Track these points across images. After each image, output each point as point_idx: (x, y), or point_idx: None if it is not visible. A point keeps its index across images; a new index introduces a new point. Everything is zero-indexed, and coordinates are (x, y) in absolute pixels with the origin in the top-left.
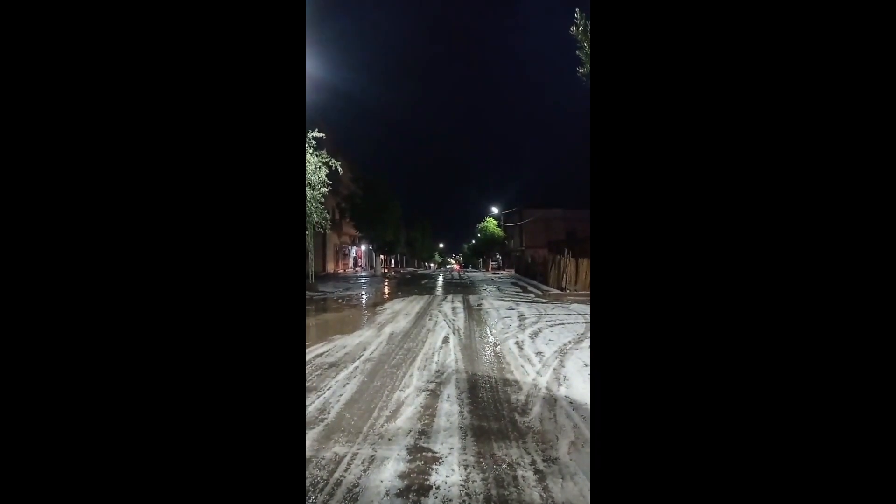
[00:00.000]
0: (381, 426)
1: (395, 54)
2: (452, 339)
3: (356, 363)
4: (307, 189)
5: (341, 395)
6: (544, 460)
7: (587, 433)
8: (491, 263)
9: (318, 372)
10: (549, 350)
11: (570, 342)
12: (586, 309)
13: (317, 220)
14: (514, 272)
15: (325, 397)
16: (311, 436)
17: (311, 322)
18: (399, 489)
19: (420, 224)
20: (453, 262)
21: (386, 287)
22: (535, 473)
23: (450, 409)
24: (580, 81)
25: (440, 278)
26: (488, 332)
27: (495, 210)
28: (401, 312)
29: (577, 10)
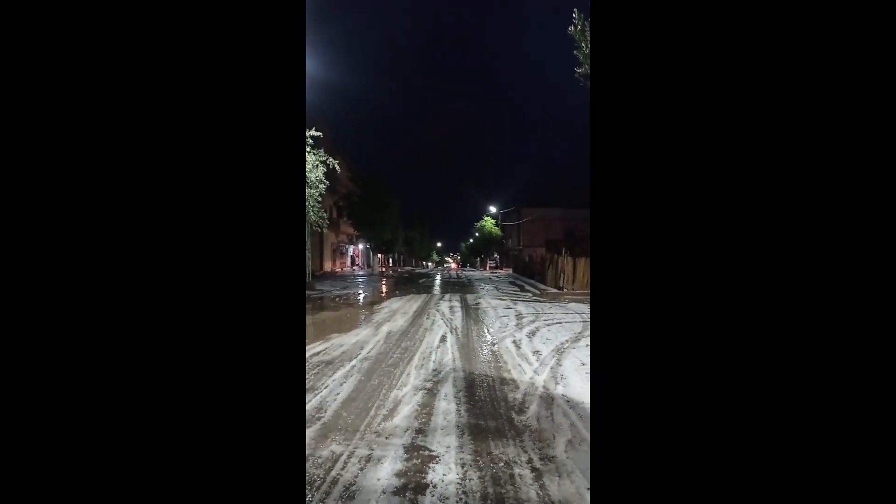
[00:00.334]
0: (379, 425)
1: (393, 53)
2: (450, 338)
3: (353, 362)
4: None
5: (338, 394)
6: (541, 459)
7: (584, 432)
8: (489, 263)
9: (315, 370)
10: (546, 349)
11: (567, 341)
12: (583, 308)
13: (314, 218)
14: (511, 271)
15: (322, 396)
16: (307, 434)
17: (308, 321)
18: (396, 487)
19: (418, 223)
20: (451, 261)
21: (383, 286)
22: (532, 472)
23: (447, 407)
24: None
25: (438, 277)
26: (486, 330)
27: (493, 209)
28: (398, 311)
29: (575, 10)
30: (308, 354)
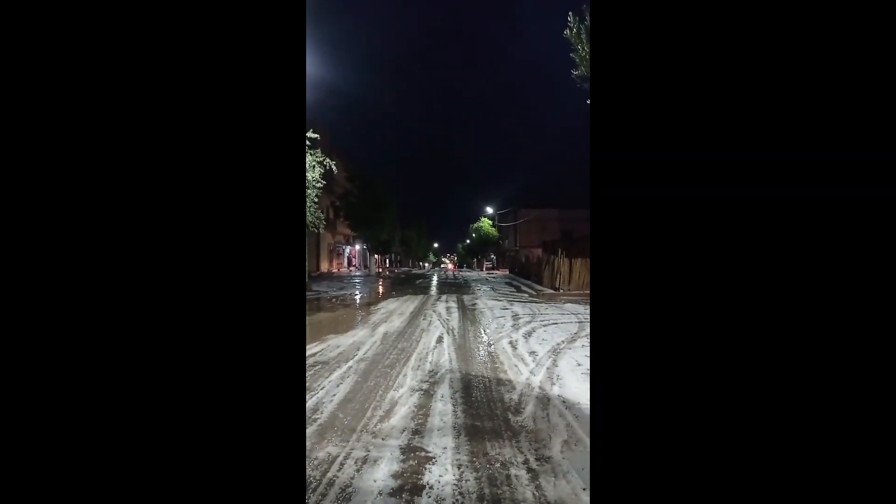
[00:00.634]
0: (375, 426)
1: (392, 54)
2: (447, 339)
3: (350, 363)
4: None
5: (335, 395)
6: (537, 459)
7: (580, 432)
8: (485, 263)
9: (312, 371)
10: (542, 349)
11: (563, 342)
12: (580, 308)
13: (310, 219)
14: (508, 272)
15: (319, 397)
16: None
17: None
18: (392, 489)
19: (415, 223)
20: (448, 261)
21: (380, 287)
22: (528, 472)
23: (443, 408)
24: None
25: (435, 278)
26: (482, 331)
27: (490, 210)
28: (395, 312)
29: (570, 13)
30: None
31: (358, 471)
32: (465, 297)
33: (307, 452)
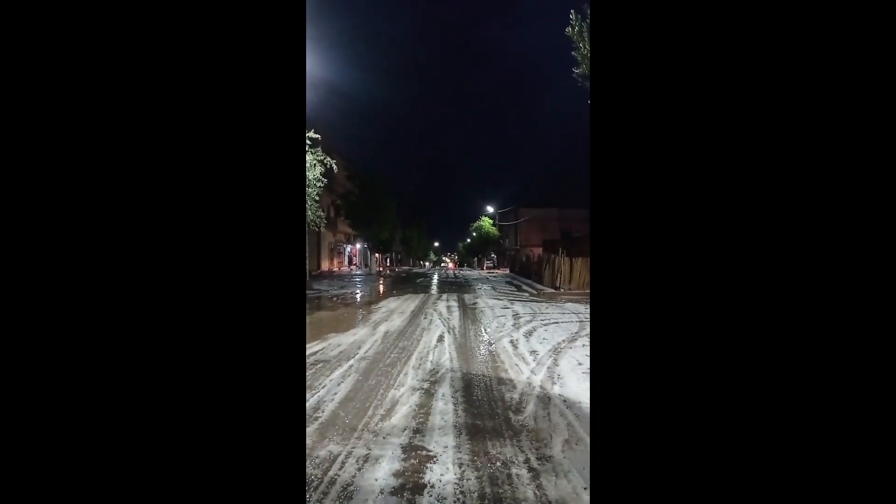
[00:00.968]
0: (376, 424)
1: (392, 52)
2: (447, 338)
3: (351, 361)
4: None
5: (336, 394)
6: (538, 458)
7: (580, 431)
8: (486, 262)
9: (313, 370)
10: (543, 349)
11: (564, 341)
12: (580, 308)
13: (311, 217)
14: (508, 271)
15: (320, 395)
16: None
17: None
18: (394, 487)
19: (415, 222)
20: (448, 260)
21: (381, 285)
22: (530, 471)
23: (444, 407)
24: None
25: (435, 277)
26: (483, 330)
27: (490, 209)
28: (396, 311)
29: (572, 11)
30: (306, 354)
31: (359, 469)
32: (466, 296)
33: (309, 451)
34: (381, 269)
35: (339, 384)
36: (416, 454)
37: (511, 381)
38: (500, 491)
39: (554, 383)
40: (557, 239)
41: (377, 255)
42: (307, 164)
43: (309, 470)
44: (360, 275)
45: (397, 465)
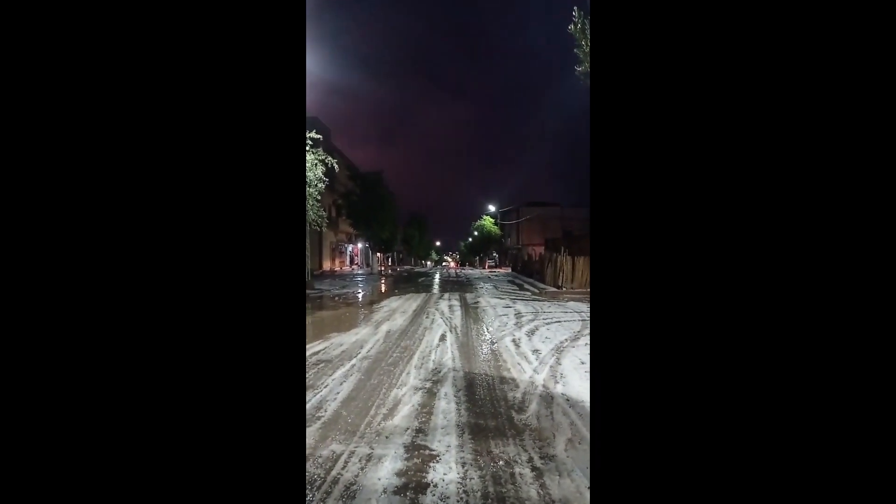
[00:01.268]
0: (379, 424)
1: (393, 50)
2: (449, 337)
3: (353, 361)
4: None
5: (338, 393)
6: (541, 458)
7: (583, 430)
8: (487, 261)
9: (315, 370)
10: (545, 348)
11: (566, 340)
12: (582, 307)
13: (312, 217)
14: (510, 270)
15: (322, 395)
16: (307, 433)
17: (307, 320)
18: (397, 487)
19: (417, 222)
20: (450, 260)
21: (383, 285)
22: (533, 471)
23: (447, 406)
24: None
25: (437, 276)
26: (485, 329)
27: (492, 208)
28: (398, 310)
29: (574, 8)
30: (307, 353)
31: (362, 469)
32: (468, 295)
33: (311, 450)
34: (382, 268)
35: (341, 384)
36: (418, 453)
37: (513, 380)
38: (504, 490)
39: (557, 382)
40: (559, 237)
41: (378, 254)
42: (308, 165)
43: (312, 469)
44: (361, 274)
45: (400, 465)
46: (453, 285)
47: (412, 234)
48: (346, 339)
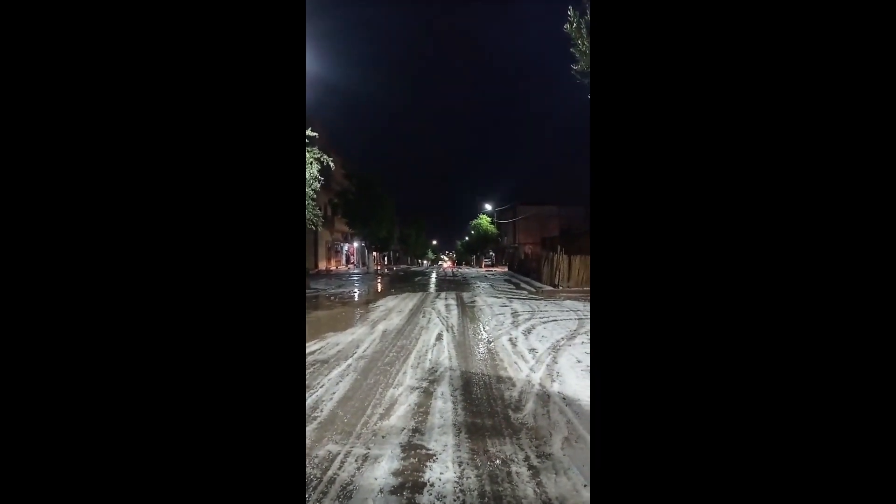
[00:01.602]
0: (375, 424)
1: (391, 50)
2: (446, 337)
3: (349, 361)
4: None
5: (334, 393)
6: (538, 456)
7: (580, 429)
8: (484, 260)
9: (311, 369)
10: (542, 346)
11: (563, 338)
12: (579, 305)
13: (308, 216)
14: (507, 269)
15: (318, 395)
16: None
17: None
18: (393, 486)
19: (413, 221)
20: (446, 259)
21: (379, 284)
22: (529, 469)
23: (443, 406)
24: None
25: (433, 275)
26: (482, 328)
27: (489, 207)
28: (394, 310)
29: (570, 7)
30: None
31: (359, 469)
32: (465, 295)
33: (308, 450)
34: (378, 267)
35: (337, 383)
36: (415, 453)
37: (510, 379)
38: (500, 489)
39: (553, 381)
40: (556, 236)
41: (375, 253)
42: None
43: (308, 469)
44: (357, 273)
45: (397, 464)
46: (450, 284)
47: (409, 232)
48: (343, 338)
